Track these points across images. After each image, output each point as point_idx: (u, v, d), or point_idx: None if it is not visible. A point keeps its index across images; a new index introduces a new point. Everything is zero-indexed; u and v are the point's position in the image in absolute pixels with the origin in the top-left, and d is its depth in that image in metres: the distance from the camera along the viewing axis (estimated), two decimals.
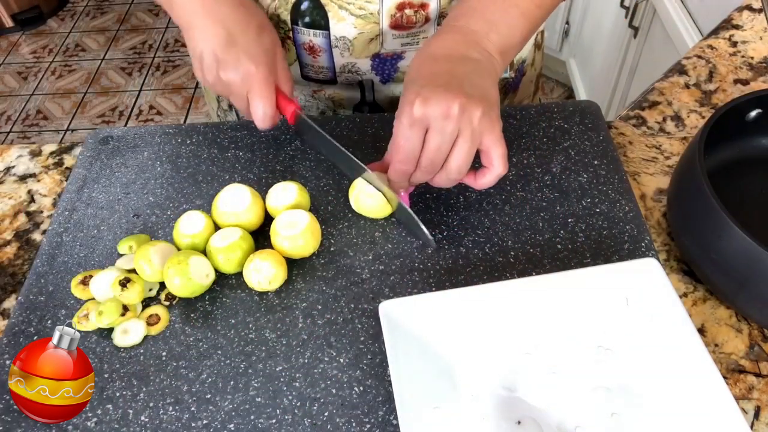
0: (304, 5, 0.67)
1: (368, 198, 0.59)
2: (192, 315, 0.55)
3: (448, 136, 0.51)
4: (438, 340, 0.50)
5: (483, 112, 0.51)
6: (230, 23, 0.59)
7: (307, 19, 0.68)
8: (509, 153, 0.54)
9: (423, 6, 0.67)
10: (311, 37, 0.70)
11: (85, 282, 0.56)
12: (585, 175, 0.64)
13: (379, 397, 0.49)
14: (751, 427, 0.49)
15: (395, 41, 0.70)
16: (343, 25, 0.68)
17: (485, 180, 0.55)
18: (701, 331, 0.54)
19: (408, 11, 0.67)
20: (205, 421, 0.49)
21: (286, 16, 0.69)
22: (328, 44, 0.70)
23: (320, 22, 0.68)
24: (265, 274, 0.54)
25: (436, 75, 0.53)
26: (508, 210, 0.61)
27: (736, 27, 0.83)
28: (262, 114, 0.61)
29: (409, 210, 0.58)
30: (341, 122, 0.70)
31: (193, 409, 0.49)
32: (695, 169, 0.53)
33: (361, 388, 0.50)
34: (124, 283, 0.54)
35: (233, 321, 0.55)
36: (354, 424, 0.48)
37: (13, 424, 0.49)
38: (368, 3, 0.66)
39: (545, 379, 0.50)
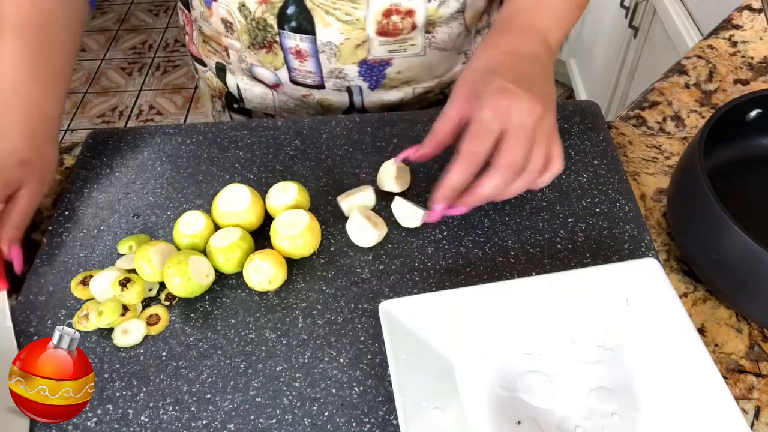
0: (291, 9, 0.67)
1: (359, 234, 0.58)
2: (192, 315, 0.55)
3: (529, 135, 0.49)
4: (438, 339, 0.50)
5: (553, 116, 0.52)
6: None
7: (293, 24, 0.68)
8: None
9: (410, 13, 0.67)
10: (298, 41, 0.69)
11: (85, 282, 0.56)
12: (585, 175, 0.64)
13: (379, 397, 0.49)
14: (751, 427, 0.49)
15: (382, 48, 0.70)
16: (329, 30, 0.68)
17: (544, 179, 0.53)
18: (701, 331, 0.54)
19: (395, 18, 0.67)
20: (205, 421, 0.49)
21: (272, 20, 0.68)
22: (314, 49, 0.70)
23: (306, 26, 0.68)
24: (265, 274, 0.54)
25: (517, 73, 0.51)
26: (508, 210, 0.61)
27: (736, 27, 0.83)
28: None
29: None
30: (341, 122, 0.70)
31: (193, 409, 0.49)
32: (695, 169, 0.53)
33: (361, 388, 0.50)
34: (124, 283, 0.54)
35: (233, 321, 0.55)
36: (354, 424, 0.48)
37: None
38: (354, 9, 0.66)
39: (545, 379, 0.50)
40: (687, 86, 0.75)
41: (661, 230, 0.62)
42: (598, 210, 0.61)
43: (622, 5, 1.59)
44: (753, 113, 0.61)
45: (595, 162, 0.65)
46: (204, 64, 0.81)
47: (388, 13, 0.67)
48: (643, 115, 0.72)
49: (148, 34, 2.78)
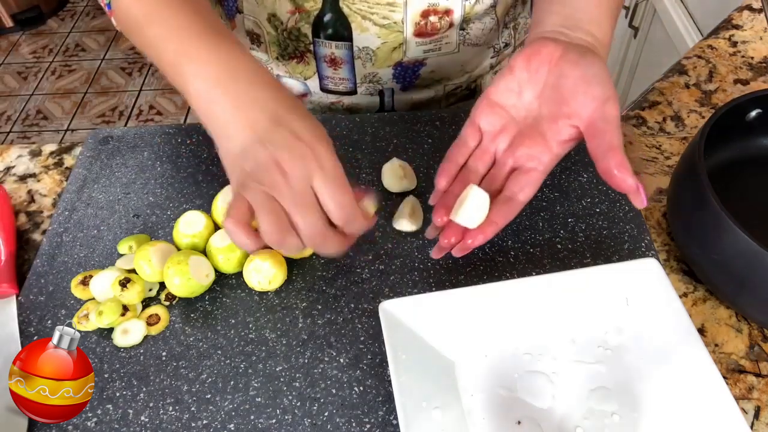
0: (327, 17, 0.66)
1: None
2: (192, 315, 0.55)
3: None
4: (438, 339, 0.50)
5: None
6: (269, 105, 0.46)
7: (329, 31, 0.68)
8: None
9: (447, 12, 0.67)
10: (333, 49, 0.69)
11: (85, 282, 0.56)
12: (585, 175, 0.64)
13: (379, 397, 0.49)
14: (751, 427, 0.48)
15: (418, 48, 0.70)
16: (366, 35, 0.67)
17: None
18: (701, 331, 0.54)
19: (432, 18, 0.67)
20: (205, 421, 0.49)
21: (307, 29, 0.68)
22: (350, 56, 0.69)
23: (343, 33, 0.67)
24: (265, 274, 0.54)
25: None
26: None
27: (736, 27, 0.83)
28: (344, 215, 0.45)
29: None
30: (341, 122, 0.70)
31: (193, 409, 0.49)
32: (695, 169, 0.53)
33: (361, 388, 0.50)
34: (124, 283, 0.53)
35: (233, 321, 0.55)
36: (354, 424, 0.48)
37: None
38: (392, 12, 0.65)
39: (545, 378, 0.50)
40: (687, 86, 0.75)
41: (661, 230, 0.62)
42: (598, 210, 0.61)
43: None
44: (753, 113, 0.61)
45: None
46: None
47: (425, 14, 0.66)
48: (643, 115, 0.72)
49: None
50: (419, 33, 0.68)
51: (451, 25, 0.68)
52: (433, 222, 0.50)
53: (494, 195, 0.50)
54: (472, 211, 0.48)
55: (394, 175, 0.62)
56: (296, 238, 0.45)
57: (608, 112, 0.46)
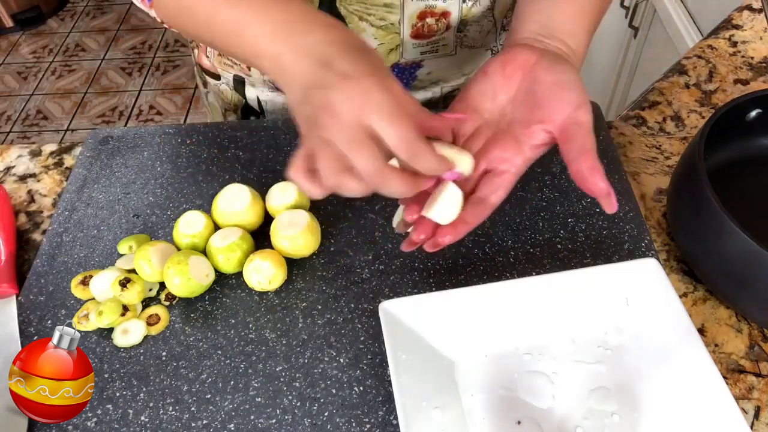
0: None
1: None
2: (192, 315, 0.55)
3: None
4: (438, 339, 0.50)
5: None
6: (319, 48, 0.46)
7: None
8: None
9: (445, 14, 0.67)
10: None
11: (85, 282, 0.56)
12: None
13: (379, 397, 0.49)
14: (751, 427, 0.48)
15: (415, 50, 0.70)
16: (363, 36, 0.67)
17: None
18: (701, 331, 0.54)
19: (430, 20, 0.66)
20: (205, 421, 0.49)
21: None
22: None
23: None
24: (265, 274, 0.54)
25: None
26: (508, 210, 0.61)
27: (736, 27, 0.83)
28: (405, 147, 0.42)
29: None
30: None
31: (193, 409, 0.49)
32: (695, 169, 0.53)
33: (361, 388, 0.50)
34: (124, 283, 0.54)
35: (233, 321, 0.55)
36: (354, 424, 0.48)
37: None
38: (389, 13, 0.65)
39: (545, 379, 0.50)
40: (687, 86, 0.75)
41: (661, 230, 0.62)
42: (598, 210, 0.61)
43: (622, 5, 1.59)
44: (753, 113, 0.61)
45: None
46: (217, 78, 0.80)
47: (423, 16, 0.66)
48: (643, 115, 0.72)
49: (148, 34, 2.78)
50: (416, 35, 0.68)
51: (448, 27, 0.68)
52: (404, 217, 0.49)
53: (466, 196, 0.50)
54: (446, 208, 0.47)
55: None
56: (353, 180, 0.43)
57: (581, 117, 0.47)
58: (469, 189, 0.50)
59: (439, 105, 0.78)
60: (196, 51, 0.81)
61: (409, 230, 0.49)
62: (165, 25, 0.57)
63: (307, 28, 0.47)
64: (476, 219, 0.48)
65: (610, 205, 0.46)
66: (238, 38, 0.49)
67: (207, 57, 0.79)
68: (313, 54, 0.45)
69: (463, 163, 0.48)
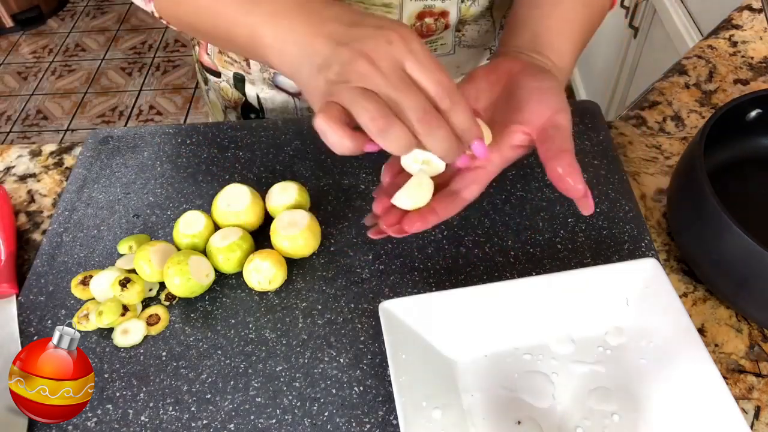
0: None
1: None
2: (192, 315, 0.55)
3: None
4: (438, 340, 0.50)
5: None
6: (344, 15, 0.44)
7: None
8: None
9: (443, 14, 0.67)
10: None
11: (85, 282, 0.56)
12: (585, 175, 0.63)
13: (379, 397, 0.49)
14: (751, 427, 0.48)
15: None
16: None
17: None
18: (701, 331, 0.54)
19: (428, 20, 0.67)
20: (205, 421, 0.49)
21: None
22: None
23: None
24: (265, 274, 0.54)
25: None
26: (508, 210, 0.61)
27: (736, 27, 0.83)
28: (446, 93, 0.41)
29: None
30: None
31: (193, 409, 0.49)
32: (695, 169, 0.53)
33: (361, 388, 0.50)
34: (124, 283, 0.54)
35: (233, 321, 0.55)
36: (354, 424, 0.48)
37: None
38: (388, 14, 0.65)
39: (545, 379, 0.50)
40: (687, 86, 0.75)
41: (661, 230, 0.62)
42: (598, 210, 0.61)
43: (622, 5, 1.59)
44: (753, 113, 0.61)
45: (595, 162, 0.65)
46: (217, 75, 0.80)
47: (421, 16, 0.66)
48: (643, 115, 0.72)
49: (148, 34, 2.78)
50: None
51: (446, 26, 0.68)
52: (373, 210, 0.48)
53: (438, 190, 0.48)
54: (413, 193, 0.46)
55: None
56: (402, 126, 0.41)
57: (560, 120, 0.47)
58: (442, 184, 0.49)
59: None
60: (197, 48, 0.82)
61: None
62: (162, 21, 0.56)
63: (323, 3, 0.45)
64: (446, 211, 0.47)
65: (586, 206, 0.46)
66: (245, 29, 0.47)
67: (208, 54, 0.79)
68: (340, 20, 0.44)
69: (487, 134, 0.47)
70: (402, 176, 0.49)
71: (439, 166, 0.47)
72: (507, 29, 0.56)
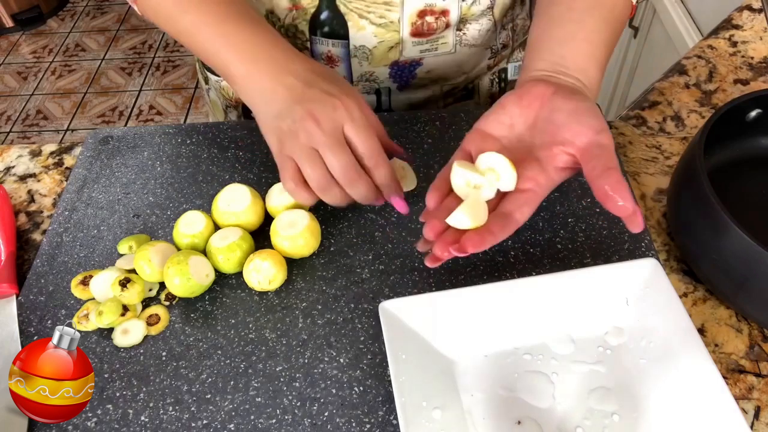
0: (324, 15, 0.67)
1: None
2: (192, 315, 0.55)
3: None
4: (438, 339, 0.50)
5: None
6: (302, 73, 0.54)
7: (326, 29, 0.68)
8: None
9: (444, 12, 0.67)
10: (330, 47, 0.69)
11: (85, 282, 0.56)
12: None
13: (379, 397, 0.49)
14: (751, 427, 0.48)
15: (414, 48, 0.70)
16: (362, 34, 0.67)
17: None
18: (701, 331, 0.54)
19: (429, 18, 0.67)
20: (205, 421, 0.49)
21: (304, 26, 0.68)
22: (346, 54, 0.69)
23: (339, 31, 0.67)
24: (265, 274, 0.54)
25: None
26: None
27: (736, 27, 0.83)
28: (372, 157, 0.53)
29: None
30: None
31: (193, 409, 0.49)
32: (695, 169, 0.53)
33: (361, 388, 0.50)
34: (124, 283, 0.54)
35: (233, 321, 0.55)
36: (354, 424, 0.48)
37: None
38: (389, 11, 0.66)
39: (545, 379, 0.50)
40: (687, 86, 0.75)
41: (661, 230, 0.62)
42: (598, 210, 0.61)
43: None
44: (753, 113, 0.61)
45: None
46: (218, 74, 0.81)
47: (422, 14, 0.66)
48: (643, 115, 0.72)
49: (148, 34, 2.78)
50: (416, 33, 0.68)
51: (447, 25, 0.68)
52: (425, 236, 0.48)
53: (490, 211, 0.49)
54: (471, 210, 0.47)
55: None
56: (337, 186, 0.52)
57: (603, 140, 0.47)
58: (492, 207, 0.49)
59: (439, 103, 0.78)
60: None
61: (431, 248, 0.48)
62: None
63: (288, 56, 0.55)
64: (502, 231, 0.46)
65: (635, 224, 0.45)
66: (216, 59, 0.56)
67: None
68: (299, 77, 0.53)
69: (512, 172, 0.48)
70: (449, 199, 0.49)
71: (489, 193, 0.48)
72: (529, 52, 0.55)
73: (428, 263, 0.48)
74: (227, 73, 0.56)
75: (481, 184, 0.48)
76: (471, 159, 0.51)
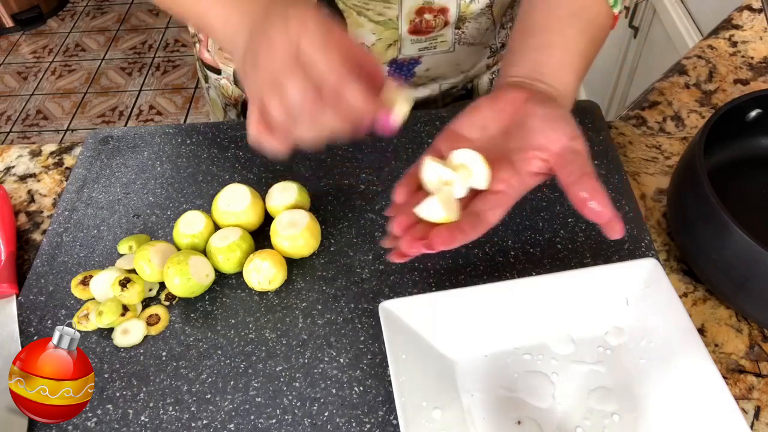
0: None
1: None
2: (192, 315, 0.55)
3: None
4: (438, 340, 0.50)
5: None
6: (266, 4, 0.46)
7: None
8: None
9: (443, 10, 0.67)
10: None
11: (85, 282, 0.56)
12: None
13: (379, 397, 0.49)
14: (751, 427, 0.48)
15: (413, 46, 0.70)
16: (361, 31, 0.67)
17: None
18: (701, 331, 0.54)
19: (427, 16, 0.67)
20: (205, 421, 0.49)
21: None
22: None
23: None
24: (265, 274, 0.54)
25: None
26: None
27: (736, 27, 0.83)
28: (334, 76, 0.41)
29: None
30: None
31: (193, 409, 0.49)
32: (695, 169, 0.53)
33: (361, 388, 0.50)
34: (124, 283, 0.54)
35: (233, 321, 0.55)
36: (354, 424, 0.48)
37: None
38: (387, 9, 0.65)
39: (545, 379, 0.50)
40: (687, 86, 0.75)
41: (661, 230, 0.62)
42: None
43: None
44: (753, 113, 0.61)
45: (595, 162, 0.65)
46: (218, 72, 0.80)
47: (420, 12, 0.66)
48: (643, 115, 0.72)
49: (148, 34, 2.78)
50: (414, 30, 0.68)
51: (446, 23, 0.68)
52: (392, 231, 0.46)
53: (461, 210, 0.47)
54: (437, 204, 0.45)
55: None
56: (303, 121, 0.42)
57: (577, 147, 0.46)
58: (463, 206, 0.48)
59: (438, 102, 0.78)
60: (197, 45, 0.82)
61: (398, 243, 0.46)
62: None
63: None
64: (473, 230, 0.45)
65: (614, 230, 0.44)
66: (194, 7, 0.51)
67: (208, 51, 0.80)
68: (259, 6, 0.46)
69: (487, 172, 0.46)
70: (418, 195, 0.47)
71: (461, 191, 0.47)
72: (507, 58, 0.55)
73: (394, 259, 0.45)
74: (206, 23, 0.51)
75: (452, 180, 0.46)
76: (443, 158, 0.49)
